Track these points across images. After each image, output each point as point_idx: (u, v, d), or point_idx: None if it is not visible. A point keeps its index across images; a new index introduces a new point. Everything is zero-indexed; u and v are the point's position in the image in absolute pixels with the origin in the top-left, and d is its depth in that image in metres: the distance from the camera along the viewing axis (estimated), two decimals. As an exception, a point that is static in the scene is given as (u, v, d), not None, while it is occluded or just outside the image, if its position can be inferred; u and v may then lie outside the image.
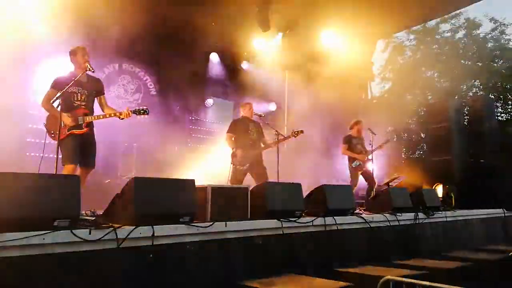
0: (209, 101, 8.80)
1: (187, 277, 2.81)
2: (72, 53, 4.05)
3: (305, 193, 3.97)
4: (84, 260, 2.38)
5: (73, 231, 2.34)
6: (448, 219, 5.33)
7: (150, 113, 4.06)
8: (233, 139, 5.69)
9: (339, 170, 8.24)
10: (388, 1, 7.65)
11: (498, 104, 15.34)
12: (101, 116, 4.04)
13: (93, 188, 4.11)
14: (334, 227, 3.86)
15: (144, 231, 2.60)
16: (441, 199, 6.09)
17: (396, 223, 4.51)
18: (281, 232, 3.44)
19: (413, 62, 17.10)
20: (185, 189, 2.99)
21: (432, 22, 16.07)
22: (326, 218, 3.79)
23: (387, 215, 4.48)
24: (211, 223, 2.98)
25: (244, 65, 9.21)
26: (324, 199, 3.93)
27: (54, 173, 3.32)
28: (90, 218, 3.07)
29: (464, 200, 6.49)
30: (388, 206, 4.69)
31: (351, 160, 6.74)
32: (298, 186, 3.83)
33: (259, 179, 5.40)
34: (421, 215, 4.87)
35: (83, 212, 3.44)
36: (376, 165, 6.82)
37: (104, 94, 4.29)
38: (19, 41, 5.37)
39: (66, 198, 2.45)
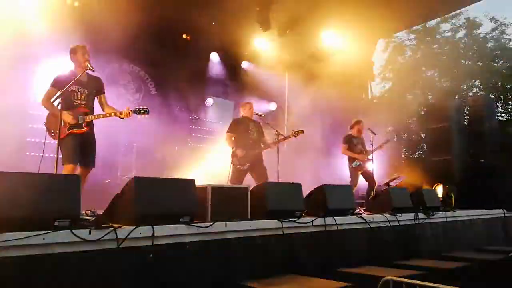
0: (209, 101, 8.80)
1: (187, 277, 2.80)
2: (72, 52, 4.03)
3: (305, 193, 3.96)
4: (84, 260, 2.38)
5: (73, 231, 2.34)
6: (448, 219, 5.32)
7: (150, 112, 4.04)
8: (233, 138, 5.68)
9: (339, 170, 8.23)
10: (388, 1, 7.64)
11: (499, 104, 15.35)
12: (101, 116, 4.03)
13: (93, 188, 4.10)
14: (334, 227, 3.86)
15: (144, 231, 2.60)
16: (441, 199, 6.08)
17: (396, 223, 4.50)
18: (281, 232, 3.43)
19: (414, 62, 17.09)
20: (185, 189, 2.99)
21: (433, 22, 16.09)
22: (326, 218, 3.79)
23: (387, 215, 4.47)
24: (211, 223, 2.97)
25: (245, 64, 9.21)
26: (324, 199, 3.92)
27: (54, 173, 3.32)
28: (90, 218, 3.07)
29: (464, 200, 6.48)
30: (388, 206, 4.68)
31: (351, 160, 6.73)
32: (298, 186, 3.83)
33: (259, 179, 5.39)
34: (421, 215, 4.86)
35: (83, 212, 3.45)
36: (376, 165, 6.82)
37: (104, 93, 4.27)
38: (19, 41, 5.37)
39: (66, 198, 2.45)
